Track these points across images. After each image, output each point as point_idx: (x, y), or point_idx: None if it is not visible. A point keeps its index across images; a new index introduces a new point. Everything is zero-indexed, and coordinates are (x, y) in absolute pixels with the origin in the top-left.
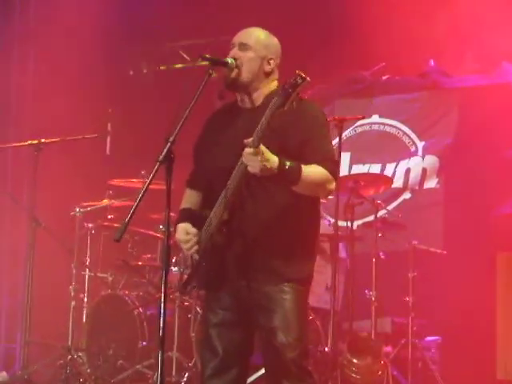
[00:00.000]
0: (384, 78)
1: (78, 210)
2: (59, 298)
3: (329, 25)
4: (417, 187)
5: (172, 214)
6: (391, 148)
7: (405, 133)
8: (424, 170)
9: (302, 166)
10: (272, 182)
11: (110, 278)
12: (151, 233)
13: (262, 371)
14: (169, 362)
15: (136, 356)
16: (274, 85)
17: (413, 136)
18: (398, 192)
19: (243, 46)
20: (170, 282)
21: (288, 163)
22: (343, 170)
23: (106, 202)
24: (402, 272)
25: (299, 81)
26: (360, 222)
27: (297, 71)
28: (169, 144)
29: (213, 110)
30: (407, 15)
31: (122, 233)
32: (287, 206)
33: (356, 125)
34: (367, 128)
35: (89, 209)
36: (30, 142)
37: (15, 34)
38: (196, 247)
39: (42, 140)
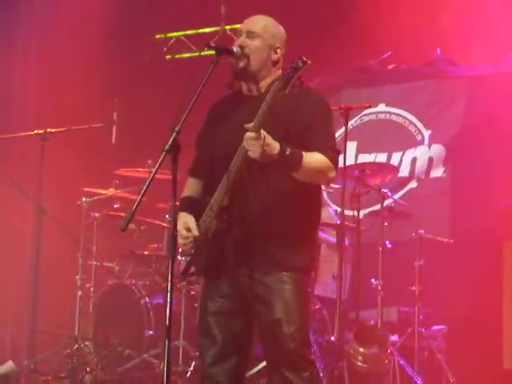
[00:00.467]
0: (390, 66)
1: (84, 199)
2: (66, 288)
3: (335, 14)
4: (423, 176)
5: (178, 204)
6: (397, 137)
7: (411, 122)
8: (430, 159)
9: (303, 153)
10: (273, 169)
11: (117, 268)
12: (157, 222)
13: (264, 364)
14: (175, 351)
15: (142, 345)
16: (278, 73)
17: (419, 125)
18: (405, 181)
19: (251, 34)
20: (176, 272)
21: (289, 150)
22: (349, 159)
23: (112, 191)
24: (409, 261)
25: (300, 64)
26: (366, 211)
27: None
28: (175, 133)
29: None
30: (414, 4)
31: (128, 222)
32: (288, 193)
33: (362, 114)
34: (373, 117)
35: (95, 198)
36: (36, 131)
37: (19, 26)
38: (190, 246)
39: (48, 130)
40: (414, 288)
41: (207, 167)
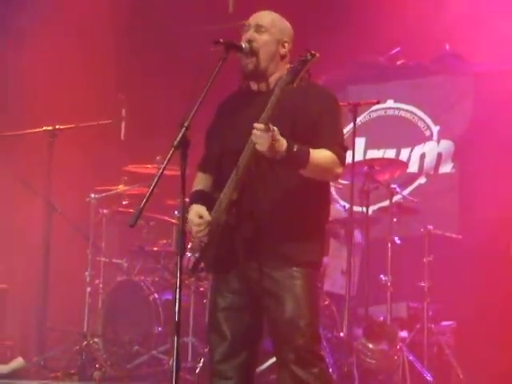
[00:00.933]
0: (399, 62)
1: (93, 195)
2: (75, 284)
3: (343, 10)
4: (432, 172)
5: (187, 200)
6: (406, 133)
7: (420, 117)
8: (439, 155)
9: (310, 150)
10: (280, 166)
11: (126, 264)
12: (166, 218)
13: (274, 359)
14: (184, 347)
15: (151, 341)
16: (285, 68)
17: (428, 121)
18: (413, 177)
19: (259, 28)
20: (185, 268)
21: (296, 147)
22: (358, 155)
23: (121, 187)
24: (418, 257)
25: (309, 57)
26: (375, 206)
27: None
28: (183, 129)
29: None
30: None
31: (136, 218)
32: (297, 188)
33: (371, 110)
34: (382, 113)
35: (104, 195)
36: (44, 128)
37: (26, 22)
38: (205, 232)
39: (57, 126)
40: (423, 284)
41: (216, 162)
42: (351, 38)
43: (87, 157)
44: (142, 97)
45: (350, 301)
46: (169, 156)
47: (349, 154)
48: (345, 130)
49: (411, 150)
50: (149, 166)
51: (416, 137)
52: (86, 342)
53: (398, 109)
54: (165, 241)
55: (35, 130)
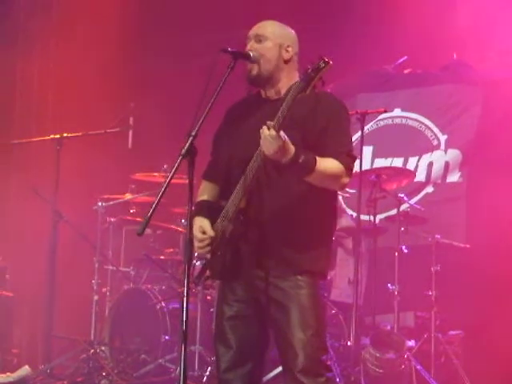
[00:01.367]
0: (406, 71)
1: (100, 204)
2: (82, 292)
3: (352, 19)
4: (439, 181)
5: (193, 208)
6: (413, 142)
7: (427, 126)
8: (447, 164)
9: (317, 159)
10: (286, 171)
11: (133, 273)
12: (173, 227)
13: (280, 368)
14: (191, 356)
15: (158, 350)
16: (295, 76)
17: (435, 130)
18: (421, 186)
19: (259, 38)
20: (192, 276)
21: (303, 157)
22: (366, 164)
23: (128, 196)
24: (425, 266)
25: (322, 64)
26: (382, 215)
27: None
28: (191, 138)
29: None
30: (430, 8)
31: (144, 227)
32: (304, 197)
33: (378, 118)
34: (389, 122)
35: (111, 203)
36: (52, 136)
37: (37, 29)
38: (208, 249)
39: (65, 134)
40: (430, 293)
41: (223, 170)
42: (359, 47)
43: (94, 165)
44: (149, 105)
45: (357, 310)
46: (176, 165)
47: (356, 162)
48: (353, 139)
49: (419, 159)
50: (156, 174)
51: (423, 146)
52: (92, 351)
53: (405, 117)
54: (172, 249)
55: (43, 138)
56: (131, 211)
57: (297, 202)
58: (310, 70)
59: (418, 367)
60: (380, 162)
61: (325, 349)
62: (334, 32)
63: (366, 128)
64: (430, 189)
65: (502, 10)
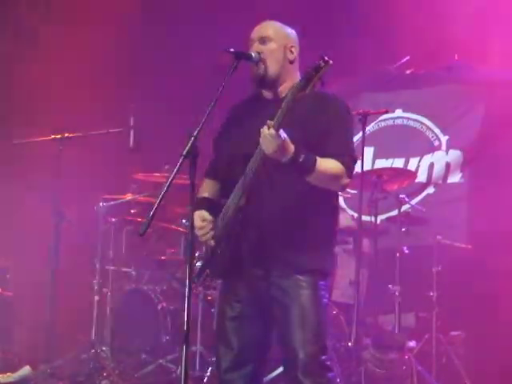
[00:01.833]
0: (408, 71)
1: (101, 204)
2: (83, 293)
3: (353, 19)
4: (440, 182)
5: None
6: (415, 142)
7: (428, 127)
8: (448, 165)
9: (318, 159)
10: (286, 170)
11: (134, 273)
12: (174, 227)
13: (282, 368)
14: (192, 356)
15: (159, 350)
16: (297, 76)
17: (436, 130)
18: (422, 186)
19: (263, 39)
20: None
21: (303, 155)
22: (367, 165)
23: (129, 196)
24: (426, 267)
25: (322, 64)
26: (384, 216)
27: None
28: (193, 138)
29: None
30: (432, 8)
31: (146, 227)
32: (304, 195)
33: (379, 119)
34: (391, 122)
35: (112, 203)
36: (53, 136)
37: (39, 29)
38: (211, 234)
39: (66, 135)
40: (431, 293)
41: (224, 169)
42: (362, 47)
43: (96, 165)
44: (150, 105)
45: (358, 310)
46: (178, 165)
47: (357, 163)
48: (354, 139)
49: (420, 160)
50: (157, 174)
51: (425, 146)
52: (93, 351)
53: (406, 118)
54: (173, 250)
55: (44, 139)
56: (132, 211)
57: (297, 201)
58: (310, 69)
59: (419, 368)
60: (381, 163)
61: (325, 349)
62: (336, 32)
63: (367, 129)
64: (431, 189)
65: (505, 10)
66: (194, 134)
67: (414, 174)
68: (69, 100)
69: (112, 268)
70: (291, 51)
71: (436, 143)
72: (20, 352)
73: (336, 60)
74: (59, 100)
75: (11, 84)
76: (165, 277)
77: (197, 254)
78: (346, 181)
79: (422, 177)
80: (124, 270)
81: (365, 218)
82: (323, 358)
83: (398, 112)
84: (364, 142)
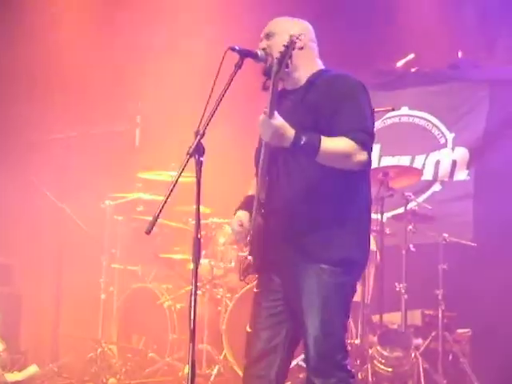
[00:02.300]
0: (413, 69)
1: (107, 202)
2: (89, 291)
3: (358, 17)
4: (447, 179)
5: (201, 207)
6: (421, 140)
7: (434, 125)
8: (454, 162)
9: (323, 139)
10: (300, 158)
11: (140, 271)
12: (181, 225)
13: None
14: (199, 354)
15: (166, 349)
16: (316, 64)
17: (442, 128)
18: (428, 184)
19: (268, 35)
20: (200, 275)
21: (304, 137)
22: (373, 162)
23: (135, 194)
24: (432, 264)
25: (286, 45)
26: (390, 214)
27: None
28: (199, 137)
29: (242, 102)
30: (437, 7)
31: (152, 226)
32: (321, 181)
33: (385, 117)
34: (396, 120)
35: (118, 201)
36: (60, 135)
37: (41, 27)
38: (244, 241)
39: (72, 133)
40: (437, 291)
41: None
42: (366, 45)
43: (102, 163)
44: (156, 104)
45: (364, 308)
46: (184, 163)
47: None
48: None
49: (426, 158)
50: (163, 172)
51: (431, 144)
52: (100, 349)
53: (412, 116)
54: (179, 248)
55: (50, 137)
56: (138, 209)
57: (313, 187)
58: (278, 55)
59: (426, 366)
60: (387, 161)
61: (341, 348)
62: (341, 30)
63: None
64: (437, 187)
65: (508, 8)
66: (200, 132)
67: (420, 172)
68: (75, 99)
69: (118, 266)
70: (299, 39)
71: (442, 141)
72: (27, 351)
73: (340, 58)
74: (66, 98)
75: (14, 83)
76: (171, 275)
77: (203, 253)
78: (361, 157)
79: (428, 174)
80: (130, 268)
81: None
82: (338, 357)
83: (404, 110)
84: None
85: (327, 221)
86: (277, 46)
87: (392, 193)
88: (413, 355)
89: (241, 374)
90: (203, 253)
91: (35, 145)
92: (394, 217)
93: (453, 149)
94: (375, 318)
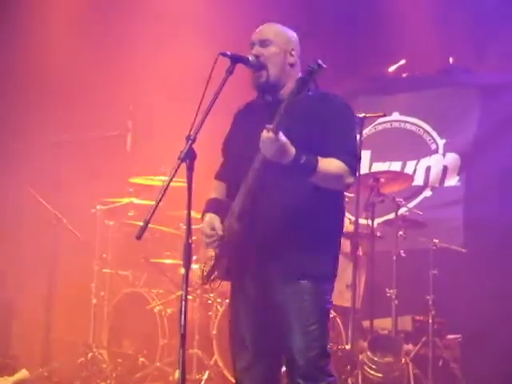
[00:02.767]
0: (404, 75)
1: (98, 207)
2: (80, 296)
3: (350, 23)
4: (437, 185)
5: (193, 212)
6: (412, 145)
7: (425, 130)
8: (445, 168)
9: (319, 160)
10: (288, 172)
11: (131, 276)
12: (172, 230)
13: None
14: (189, 359)
15: (156, 353)
16: (298, 76)
17: (433, 134)
18: (419, 190)
19: (264, 42)
20: (190, 280)
21: (304, 157)
22: (364, 168)
23: (126, 199)
24: (423, 270)
25: (315, 68)
26: (380, 219)
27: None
28: (190, 142)
29: (233, 107)
30: (428, 12)
31: (143, 231)
32: (309, 198)
33: (376, 122)
34: (387, 125)
35: (110, 206)
36: (51, 139)
37: (34, 31)
38: (215, 245)
39: (64, 138)
40: (428, 297)
41: (230, 171)
42: (357, 51)
43: (93, 168)
44: (148, 109)
45: (355, 313)
46: (175, 169)
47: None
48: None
49: (417, 163)
50: (154, 177)
51: (421, 150)
52: (91, 354)
53: (403, 121)
54: (170, 253)
55: (42, 142)
56: (130, 214)
57: (301, 204)
58: (304, 73)
59: (416, 371)
60: (378, 166)
61: (325, 354)
62: (332, 36)
63: (364, 132)
64: (428, 193)
65: (499, 13)
66: (191, 137)
67: (411, 178)
68: (67, 103)
69: (109, 271)
70: (291, 54)
71: (433, 146)
72: (17, 355)
73: (332, 64)
74: (58, 103)
75: (9, 86)
76: (162, 280)
77: (194, 258)
78: (349, 180)
79: (419, 180)
80: (121, 273)
81: (362, 221)
82: (323, 363)
83: (395, 115)
84: (361, 145)
85: (306, 236)
86: (273, 57)
87: (383, 198)
88: (403, 361)
89: (231, 379)
90: (194, 258)
91: (26, 150)
92: (384, 222)
93: (444, 155)
94: (366, 323)
